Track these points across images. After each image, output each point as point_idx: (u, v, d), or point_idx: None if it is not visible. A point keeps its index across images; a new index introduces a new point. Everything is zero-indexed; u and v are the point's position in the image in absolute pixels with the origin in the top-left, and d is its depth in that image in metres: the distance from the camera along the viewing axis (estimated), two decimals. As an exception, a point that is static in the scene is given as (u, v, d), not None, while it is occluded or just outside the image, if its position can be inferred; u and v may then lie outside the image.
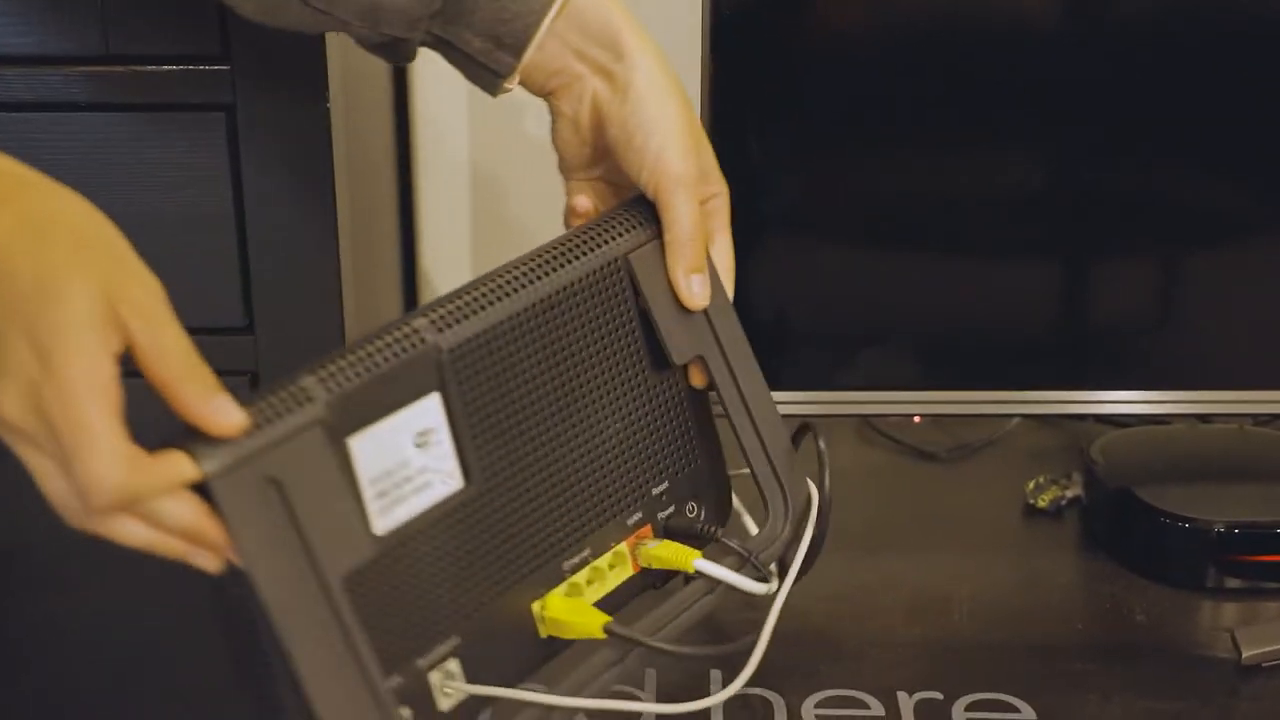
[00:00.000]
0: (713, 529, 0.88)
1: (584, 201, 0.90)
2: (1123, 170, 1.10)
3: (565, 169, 0.91)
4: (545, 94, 0.88)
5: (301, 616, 0.70)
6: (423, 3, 0.83)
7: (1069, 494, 1.20)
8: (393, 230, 1.42)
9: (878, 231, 1.12)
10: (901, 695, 0.91)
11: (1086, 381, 1.14)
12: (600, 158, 0.89)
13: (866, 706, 0.90)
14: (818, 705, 0.90)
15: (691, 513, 0.88)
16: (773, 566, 0.88)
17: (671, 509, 0.87)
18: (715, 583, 0.85)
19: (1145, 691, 0.94)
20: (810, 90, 1.08)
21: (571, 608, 0.82)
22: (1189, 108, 1.07)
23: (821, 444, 0.88)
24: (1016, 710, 0.91)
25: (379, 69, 1.32)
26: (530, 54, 0.85)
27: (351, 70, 1.15)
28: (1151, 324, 1.14)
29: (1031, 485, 1.21)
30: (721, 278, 0.87)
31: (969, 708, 0.90)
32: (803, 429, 0.91)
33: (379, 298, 1.32)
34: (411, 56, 0.87)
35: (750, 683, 0.84)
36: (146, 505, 0.67)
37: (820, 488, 0.89)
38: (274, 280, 1.08)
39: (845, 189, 1.10)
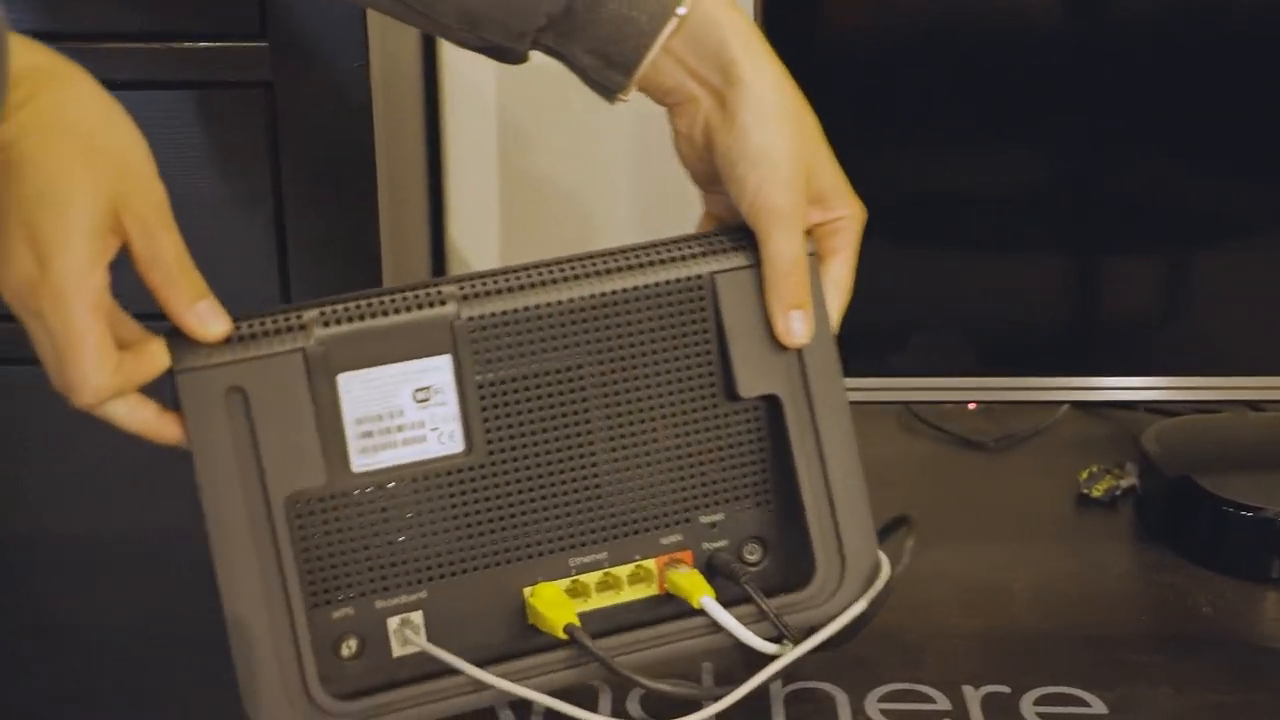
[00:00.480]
0: (778, 579, 0.84)
1: (715, 217, 0.88)
2: (1161, 159, 1.08)
3: (695, 180, 0.88)
4: (663, 105, 0.85)
5: (232, 516, 0.75)
6: (526, 17, 0.82)
7: (1123, 483, 1.18)
8: (421, 193, 1.41)
9: (925, 221, 1.10)
10: (967, 689, 0.88)
11: (1137, 368, 1.11)
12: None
13: (931, 701, 0.86)
14: (881, 700, 0.86)
15: (752, 555, 0.84)
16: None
17: (723, 544, 0.83)
18: (719, 627, 0.81)
19: (1215, 684, 0.90)
20: (857, 81, 1.07)
21: (553, 601, 0.80)
22: (1226, 93, 1.05)
23: (911, 542, 0.85)
24: (1086, 704, 0.87)
25: (411, 36, 1.30)
26: (641, 73, 0.82)
27: (388, 41, 1.14)
28: (1204, 310, 1.12)
29: (1085, 475, 1.19)
30: (829, 305, 0.83)
31: (1038, 701, 0.87)
32: (900, 521, 0.88)
33: (410, 258, 1.30)
34: (521, 60, 0.85)
35: (811, 676, 0.84)
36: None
37: (890, 568, 0.83)
38: (312, 256, 1.07)
39: (890, 181, 1.07)
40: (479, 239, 1.44)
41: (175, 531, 1.14)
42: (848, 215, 0.83)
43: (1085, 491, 1.17)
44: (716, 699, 0.80)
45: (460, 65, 1.37)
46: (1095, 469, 1.19)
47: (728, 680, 0.83)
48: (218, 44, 1.03)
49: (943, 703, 0.86)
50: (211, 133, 1.04)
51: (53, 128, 0.69)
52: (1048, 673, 0.90)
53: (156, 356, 0.73)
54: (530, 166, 1.42)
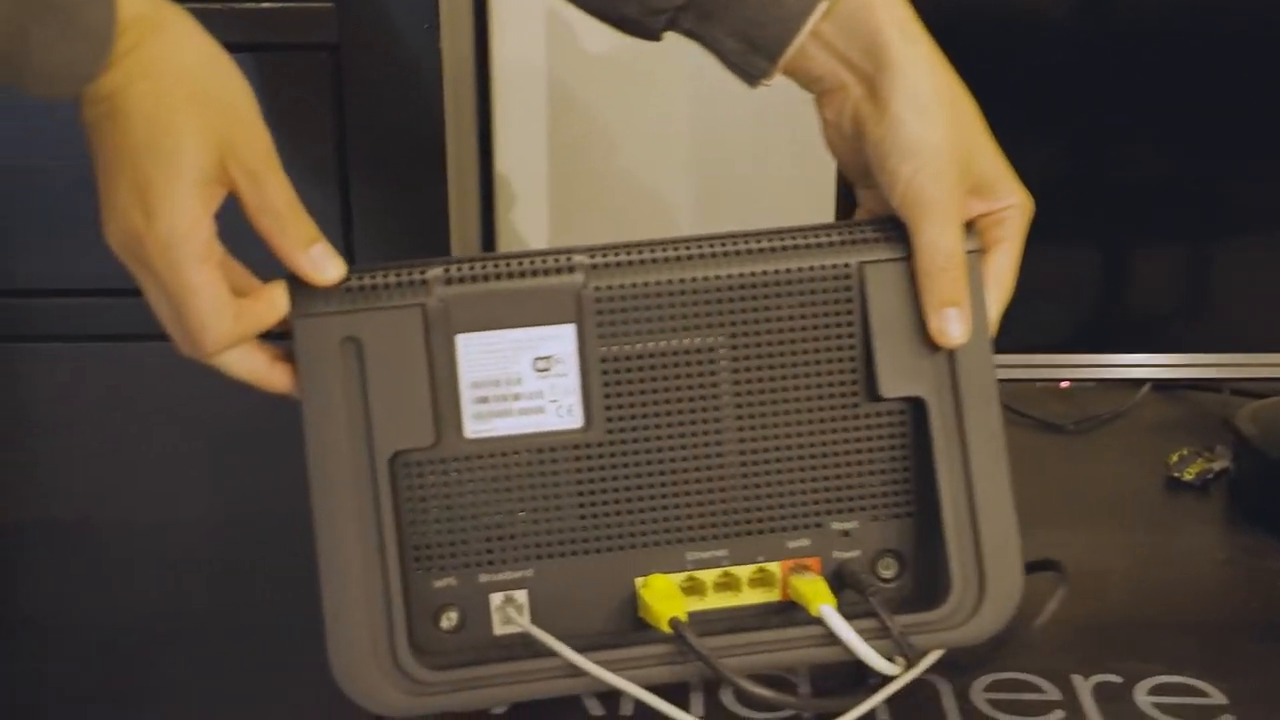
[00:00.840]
0: (908, 595, 0.79)
1: (871, 214, 0.83)
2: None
3: (846, 174, 0.84)
4: (809, 92, 0.81)
5: (336, 468, 0.73)
6: None
7: (1216, 466, 1.14)
8: (473, 165, 1.38)
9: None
10: (1076, 679, 0.82)
11: (1228, 345, 1.09)
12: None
13: (1040, 690, 0.80)
14: (987, 689, 0.80)
15: (887, 571, 0.79)
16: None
17: (854, 554, 0.78)
18: (834, 639, 0.75)
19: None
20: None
21: (664, 594, 0.75)
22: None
23: (1062, 591, 0.81)
24: (1204, 694, 0.80)
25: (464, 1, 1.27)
26: (787, 59, 0.78)
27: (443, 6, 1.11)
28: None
29: (1175, 458, 1.15)
30: (989, 301, 0.77)
31: (1153, 691, 0.81)
32: (1047, 565, 0.83)
33: (465, 230, 1.28)
34: (655, 38, 0.82)
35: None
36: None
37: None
38: (377, 223, 1.06)
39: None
40: (527, 214, 1.41)
41: (179, 520, 1.16)
42: (1013, 205, 0.78)
43: (1175, 475, 1.13)
44: (822, 714, 0.75)
45: (511, 34, 1.34)
46: (1185, 452, 1.15)
47: (823, 687, 0.79)
48: (284, 4, 1.02)
49: (1052, 692, 0.80)
50: (277, 96, 1.03)
51: (159, 75, 0.68)
52: (1159, 662, 0.84)
53: (276, 301, 0.73)
54: (581, 143, 1.38)
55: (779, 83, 0.80)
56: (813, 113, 0.81)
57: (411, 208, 1.06)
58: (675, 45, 0.82)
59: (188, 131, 0.67)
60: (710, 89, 1.09)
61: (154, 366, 1.10)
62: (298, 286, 0.73)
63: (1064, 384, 1.25)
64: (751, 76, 0.80)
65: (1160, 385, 1.28)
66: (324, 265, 0.73)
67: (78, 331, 1.09)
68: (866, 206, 0.82)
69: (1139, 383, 1.26)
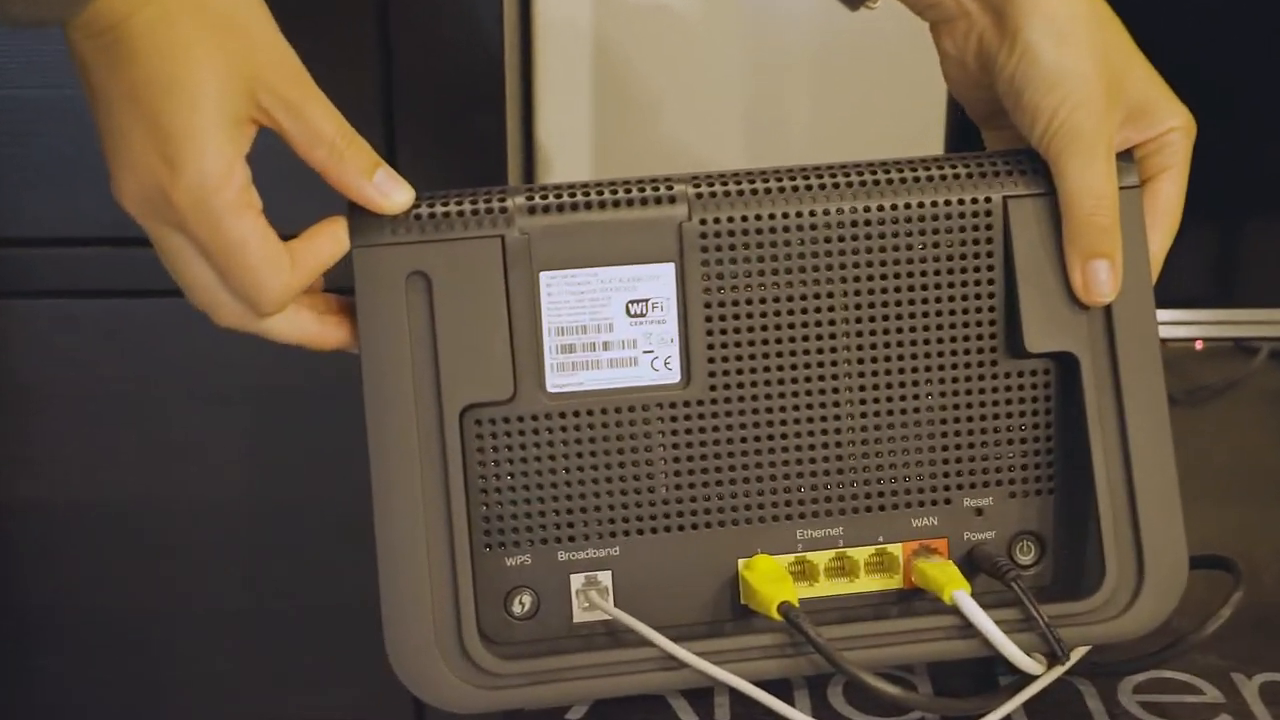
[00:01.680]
0: (1053, 582, 0.69)
1: None
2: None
3: (972, 116, 0.74)
4: (925, 19, 0.72)
5: (398, 423, 0.64)
6: None
7: None
8: (515, 116, 1.29)
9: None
10: (1238, 677, 0.71)
11: None
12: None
13: (1199, 691, 0.70)
14: (1137, 691, 0.70)
15: (1026, 555, 0.69)
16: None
17: (988, 535, 0.69)
18: (973, 630, 0.66)
19: None
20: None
21: (771, 576, 0.66)
22: None
23: (1238, 595, 0.70)
24: None
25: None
26: None
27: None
28: None
29: None
30: (1153, 239, 0.68)
31: None
32: (1216, 561, 0.73)
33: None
34: None
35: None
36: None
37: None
38: (425, 165, 0.98)
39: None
40: (570, 165, 1.32)
41: (205, 503, 1.08)
42: (1175, 128, 0.68)
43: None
44: (952, 717, 0.66)
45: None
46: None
47: (945, 686, 0.69)
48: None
49: (1212, 693, 0.70)
50: (319, 30, 0.96)
51: (165, 0, 0.58)
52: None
53: (336, 236, 0.64)
54: (627, 105, 1.29)
55: (874, 21, 0.70)
56: (888, 69, 0.71)
57: (461, 152, 0.99)
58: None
59: (208, 63, 0.58)
60: (768, 47, 1.00)
61: (167, 325, 1.01)
62: (357, 217, 0.64)
63: (1198, 344, 1.14)
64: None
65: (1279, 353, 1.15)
66: (391, 191, 0.63)
67: (74, 286, 1.01)
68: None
69: (1253, 350, 1.15)
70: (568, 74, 1.30)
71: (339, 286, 0.65)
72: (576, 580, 0.66)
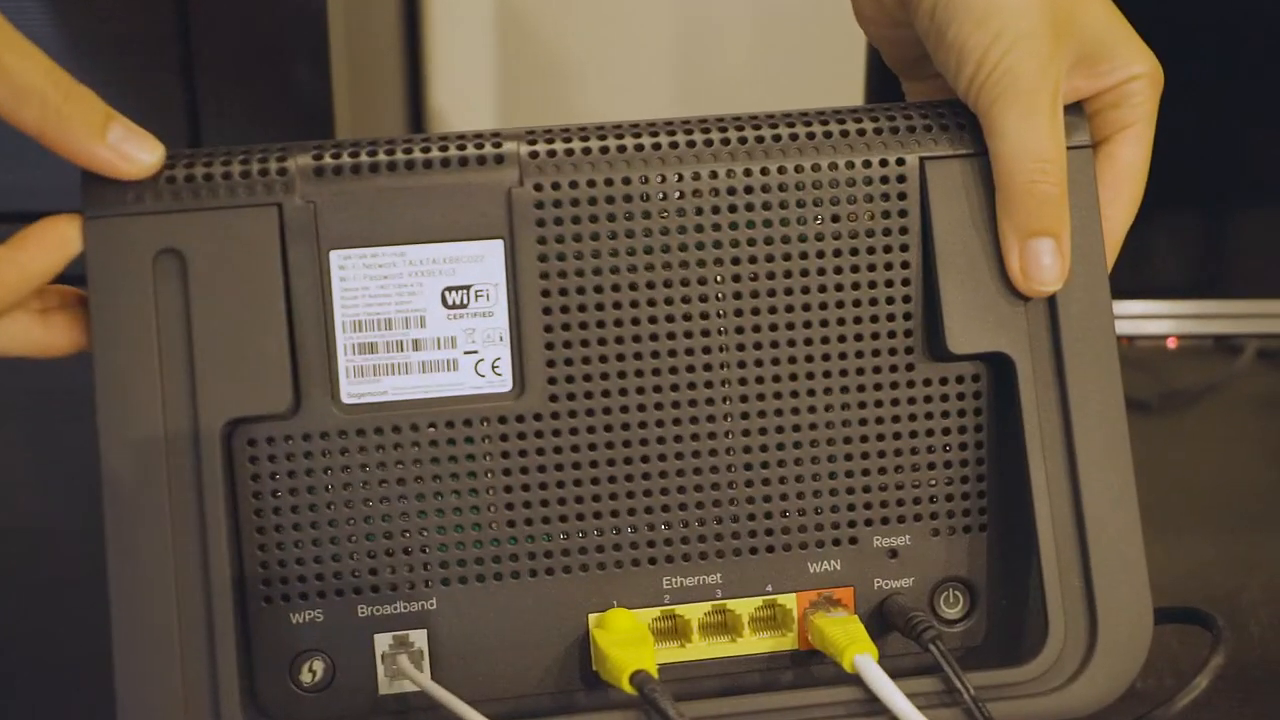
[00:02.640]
0: (984, 644, 0.57)
1: None
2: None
3: (890, 64, 0.62)
4: None
5: (137, 443, 0.51)
6: None
7: None
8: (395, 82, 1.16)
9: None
10: None
11: None
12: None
13: None
14: None
15: (952, 608, 0.56)
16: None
17: (905, 583, 0.56)
18: (880, 704, 0.52)
19: None
20: None
21: (626, 637, 0.52)
22: None
23: (1218, 660, 0.57)
24: None
25: None
26: None
27: None
28: None
29: None
30: (1112, 211, 0.56)
31: None
32: (1192, 615, 0.60)
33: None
34: None
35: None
36: None
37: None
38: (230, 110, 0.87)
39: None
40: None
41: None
42: (1139, 75, 0.56)
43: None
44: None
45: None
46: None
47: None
48: None
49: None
50: None
51: None
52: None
53: (61, 233, 0.51)
54: (538, 75, 1.18)
55: None
56: (834, 39, 0.59)
57: (276, 98, 0.86)
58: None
59: None
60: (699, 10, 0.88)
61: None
62: (90, 186, 0.51)
63: (1171, 342, 1.02)
64: None
65: (1267, 352, 1.04)
66: (131, 149, 0.51)
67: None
68: None
69: (1236, 349, 1.04)
70: (465, 26, 1.18)
71: (72, 274, 0.52)
72: (382, 642, 0.53)
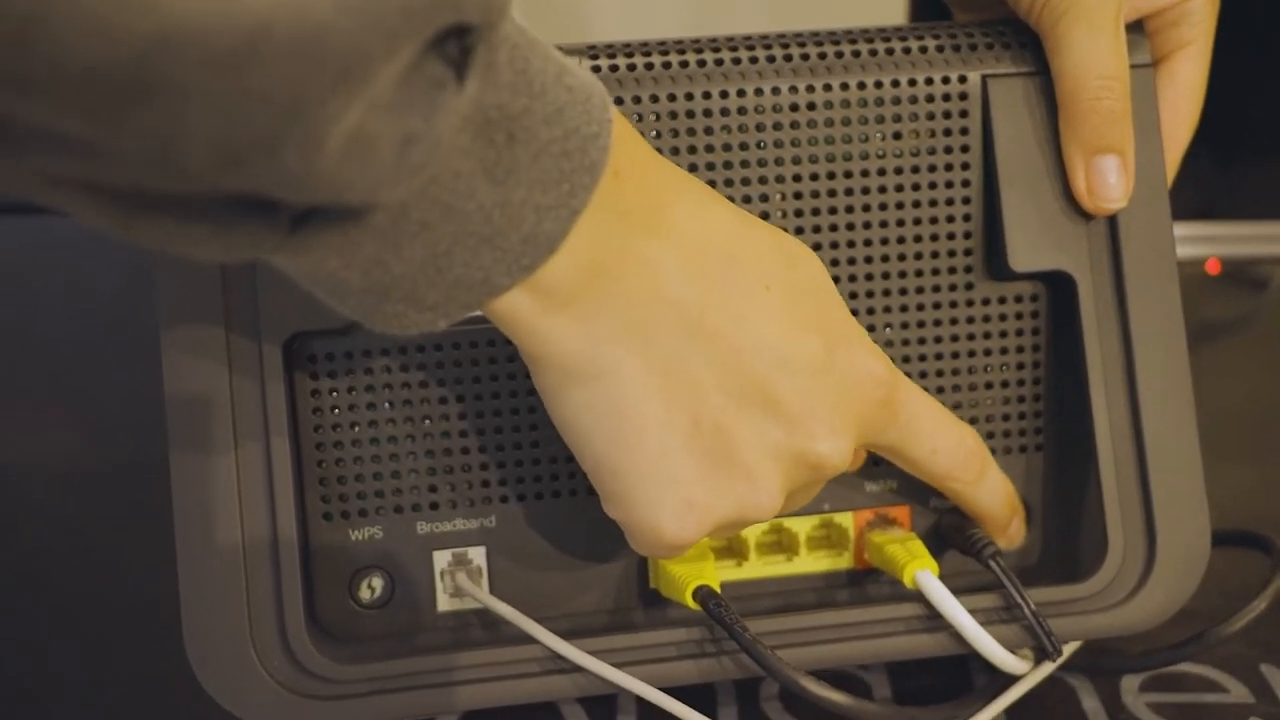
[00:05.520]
0: (1041, 561, 0.56)
1: None
2: None
3: None
4: None
5: (200, 351, 0.50)
6: None
7: None
8: None
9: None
10: (1269, 670, 0.58)
11: None
12: None
13: (1220, 688, 0.56)
14: (1144, 689, 0.57)
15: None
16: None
17: None
18: (941, 620, 0.52)
19: None
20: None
21: (687, 555, 0.52)
22: None
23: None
24: None
25: None
26: None
27: None
28: None
29: None
30: (1171, 129, 0.56)
31: None
32: (1247, 539, 0.60)
33: None
34: None
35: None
36: None
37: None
38: None
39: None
40: None
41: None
42: None
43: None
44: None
45: None
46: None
47: (908, 689, 0.56)
48: None
49: (1238, 690, 0.56)
50: None
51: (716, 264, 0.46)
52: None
53: None
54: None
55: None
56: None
57: None
58: None
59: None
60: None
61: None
62: None
63: (1211, 266, 0.97)
64: None
65: None
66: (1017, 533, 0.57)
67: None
68: None
69: (1261, 283, 1.00)
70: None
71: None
72: (441, 559, 0.53)
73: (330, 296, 0.40)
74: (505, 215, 0.39)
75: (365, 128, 0.34)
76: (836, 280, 0.52)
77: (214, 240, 0.36)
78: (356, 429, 0.51)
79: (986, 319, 0.54)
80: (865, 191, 0.53)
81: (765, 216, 0.52)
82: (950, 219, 0.53)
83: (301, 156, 0.33)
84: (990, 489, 0.53)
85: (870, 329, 0.53)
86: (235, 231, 0.36)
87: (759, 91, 0.52)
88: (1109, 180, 0.53)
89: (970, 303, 0.54)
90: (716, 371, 0.44)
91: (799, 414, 0.45)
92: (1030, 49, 0.53)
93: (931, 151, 0.53)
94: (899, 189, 0.53)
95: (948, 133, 0.53)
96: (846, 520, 0.54)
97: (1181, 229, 0.79)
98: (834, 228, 0.53)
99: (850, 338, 0.47)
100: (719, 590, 0.50)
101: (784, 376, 0.45)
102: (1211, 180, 0.95)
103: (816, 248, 0.52)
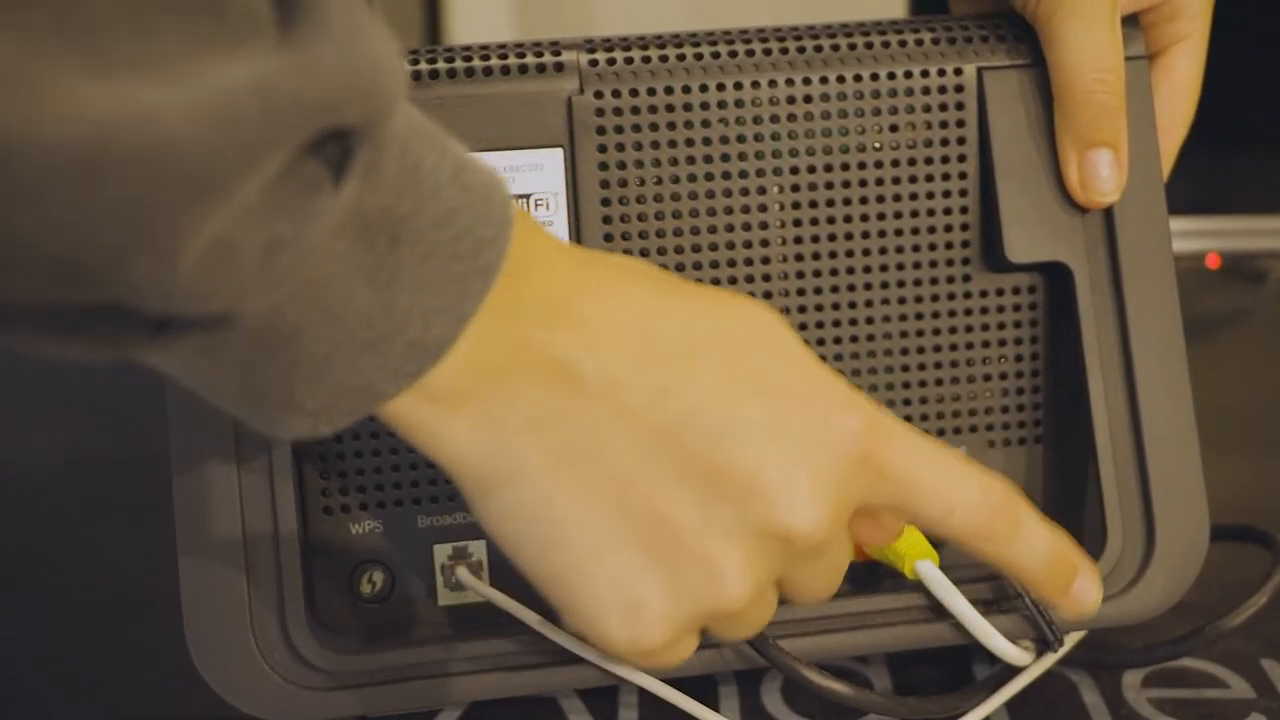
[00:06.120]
0: None
1: None
2: None
3: None
4: None
5: None
6: None
7: None
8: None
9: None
10: (1270, 665, 0.58)
11: None
12: None
13: (1222, 684, 0.56)
14: (1146, 685, 0.57)
15: None
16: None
17: None
18: (943, 611, 0.53)
19: None
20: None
21: None
22: None
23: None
24: None
25: None
26: None
27: None
28: None
29: None
30: (1167, 123, 0.56)
31: None
32: (1245, 533, 0.60)
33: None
34: None
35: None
36: None
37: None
38: None
39: None
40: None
41: None
42: None
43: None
44: (921, 718, 0.52)
45: None
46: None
47: (908, 679, 0.56)
48: None
49: (1239, 686, 0.56)
50: None
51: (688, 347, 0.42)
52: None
53: None
54: None
55: None
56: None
57: None
58: None
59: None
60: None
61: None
62: None
63: (1211, 260, 0.98)
64: None
65: None
66: (1083, 592, 0.47)
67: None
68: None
69: (1261, 276, 1.00)
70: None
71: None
72: (441, 553, 0.53)
73: (209, 396, 0.38)
74: (389, 320, 0.37)
75: (226, 236, 0.32)
76: (833, 273, 0.53)
77: (75, 346, 0.34)
78: (356, 423, 0.52)
79: (984, 310, 0.54)
80: (862, 184, 0.53)
81: (763, 210, 0.52)
82: (947, 211, 0.54)
83: (154, 269, 0.32)
84: (1031, 547, 0.45)
85: (869, 320, 0.53)
86: (96, 337, 0.34)
87: (756, 85, 0.52)
88: (1101, 174, 0.53)
89: (968, 294, 0.54)
90: (641, 455, 0.40)
91: (749, 485, 0.40)
92: (1026, 42, 0.54)
93: (928, 144, 0.53)
94: (896, 181, 0.53)
95: (944, 125, 0.53)
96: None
97: (1181, 223, 0.79)
98: (831, 220, 0.53)
99: (811, 392, 0.42)
100: None
101: (724, 448, 0.40)
102: (1210, 174, 0.96)
103: (814, 239, 0.53)
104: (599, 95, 0.51)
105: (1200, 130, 0.60)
